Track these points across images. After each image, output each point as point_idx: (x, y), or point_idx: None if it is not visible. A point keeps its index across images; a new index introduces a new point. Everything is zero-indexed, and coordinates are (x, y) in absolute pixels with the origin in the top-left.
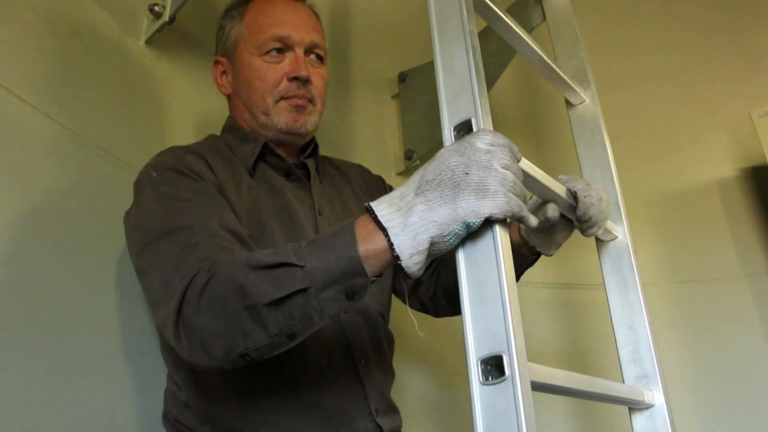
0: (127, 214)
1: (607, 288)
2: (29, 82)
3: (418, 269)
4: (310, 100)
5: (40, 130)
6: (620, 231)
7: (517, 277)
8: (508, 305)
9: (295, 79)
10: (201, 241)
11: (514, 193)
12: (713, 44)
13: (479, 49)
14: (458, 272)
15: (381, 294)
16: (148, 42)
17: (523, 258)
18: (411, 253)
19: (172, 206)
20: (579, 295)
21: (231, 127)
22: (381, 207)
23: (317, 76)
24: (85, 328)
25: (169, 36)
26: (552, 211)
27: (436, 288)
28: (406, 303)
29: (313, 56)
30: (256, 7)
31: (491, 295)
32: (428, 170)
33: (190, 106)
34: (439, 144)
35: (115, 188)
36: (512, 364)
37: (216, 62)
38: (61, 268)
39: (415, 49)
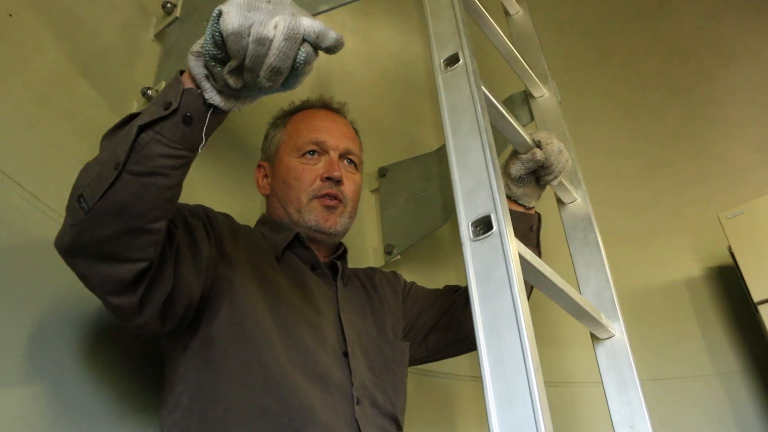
0: None
1: (605, 387)
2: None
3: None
4: (341, 201)
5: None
6: (617, 329)
7: (537, 243)
8: (539, 407)
9: (328, 179)
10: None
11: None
12: (674, 149)
13: (494, 147)
14: (482, 372)
15: (394, 392)
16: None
17: (528, 218)
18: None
19: None
20: (574, 393)
21: (265, 220)
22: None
23: (350, 179)
24: None
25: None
26: (540, 155)
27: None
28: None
29: (346, 161)
30: (299, 116)
31: (521, 396)
32: None
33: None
34: (420, 237)
35: None
36: None
37: (259, 166)
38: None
39: (395, 144)
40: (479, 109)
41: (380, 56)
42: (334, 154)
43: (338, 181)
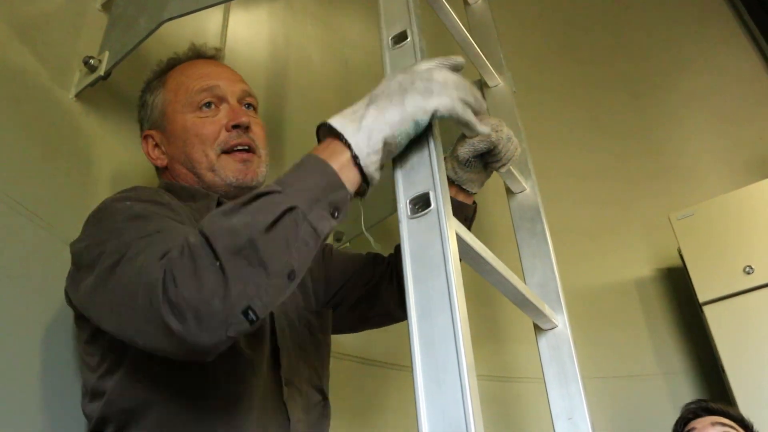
0: (77, 241)
1: (546, 379)
2: None
3: (375, 169)
4: (254, 150)
5: None
6: (560, 320)
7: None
8: (468, 388)
9: (235, 127)
10: (173, 230)
11: (458, 95)
12: (630, 149)
13: (437, 124)
14: (412, 351)
15: (320, 363)
16: (79, 96)
17: (465, 208)
18: (368, 152)
19: (144, 224)
20: (517, 389)
21: (171, 188)
22: (335, 120)
23: (257, 124)
24: None
25: (101, 92)
26: (494, 136)
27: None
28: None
29: (245, 106)
30: (176, 71)
31: (450, 378)
32: (377, 88)
33: (118, 167)
34: (370, 225)
35: (26, 243)
36: None
37: (145, 137)
38: None
39: None
40: None
41: (341, 44)
42: (232, 100)
43: (247, 128)
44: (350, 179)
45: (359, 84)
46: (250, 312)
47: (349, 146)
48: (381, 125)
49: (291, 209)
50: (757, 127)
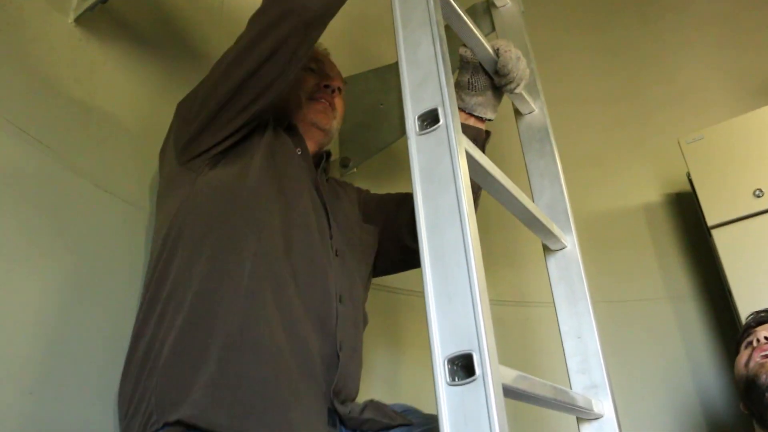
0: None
1: (555, 299)
2: None
3: None
4: (333, 108)
5: None
6: (569, 241)
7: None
8: (479, 301)
9: (327, 86)
10: None
11: None
12: (641, 75)
13: (445, 39)
14: (423, 267)
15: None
16: (78, 20)
17: (476, 132)
18: None
19: None
20: (525, 313)
21: None
22: None
23: (340, 104)
24: None
25: (100, 16)
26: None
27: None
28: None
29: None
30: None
31: (460, 291)
32: None
33: (119, 94)
34: (377, 151)
35: (31, 170)
36: (483, 364)
37: None
38: None
39: (353, 56)
40: (431, 2)
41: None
42: (332, 81)
43: (334, 91)
44: None
45: (354, 2)
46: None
47: None
48: None
49: None
50: None
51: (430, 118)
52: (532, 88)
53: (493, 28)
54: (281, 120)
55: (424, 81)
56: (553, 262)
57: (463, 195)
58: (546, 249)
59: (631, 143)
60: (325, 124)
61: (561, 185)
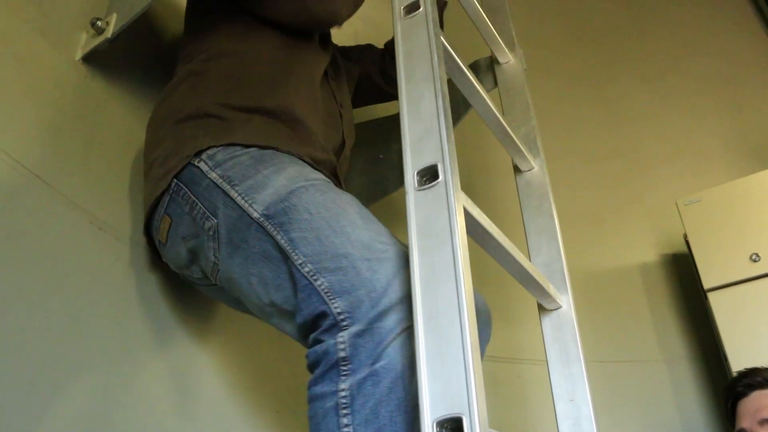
0: None
1: (549, 360)
2: None
3: None
4: None
5: None
6: (565, 301)
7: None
8: (471, 363)
9: None
10: None
11: None
12: (640, 133)
13: (448, 95)
14: (415, 329)
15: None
16: (85, 58)
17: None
18: None
19: None
20: (518, 370)
21: None
22: None
23: None
24: None
25: (107, 54)
26: None
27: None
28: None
29: None
30: None
31: (453, 351)
32: None
33: (121, 131)
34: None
35: (26, 204)
36: (473, 429)
37: None
38: None
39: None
40: (435, 57)
41: (352, 17)
42: None
43: None
44: None
45: None
46: None
47: None
48: None
49: None
50: (766, 114)
51: (429, 174)
52: (532, 146)
53: (495, 84)
54: None
55: (425, 136)
56: (548, 322)
57: (459, 253)
58: (541, 308)
59: (628, 201)
60: None
61: (558, 244)
